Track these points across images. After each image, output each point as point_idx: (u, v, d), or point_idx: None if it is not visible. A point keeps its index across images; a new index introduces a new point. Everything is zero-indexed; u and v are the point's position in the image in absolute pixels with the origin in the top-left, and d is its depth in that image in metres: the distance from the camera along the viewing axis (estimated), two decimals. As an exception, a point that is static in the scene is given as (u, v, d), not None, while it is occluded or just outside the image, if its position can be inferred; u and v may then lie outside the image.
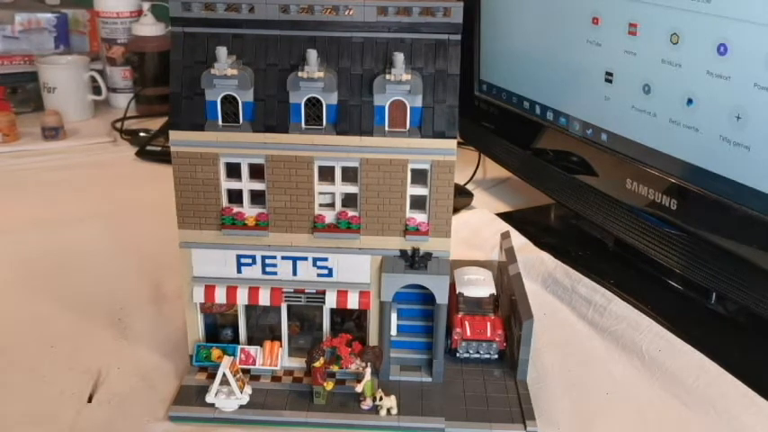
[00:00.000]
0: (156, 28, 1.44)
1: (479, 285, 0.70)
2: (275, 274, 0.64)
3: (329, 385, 0.62)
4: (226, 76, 0.58)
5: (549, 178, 0.93)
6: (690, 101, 0.70)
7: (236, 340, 0.67)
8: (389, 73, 0.58)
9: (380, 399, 0.62)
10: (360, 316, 0.67)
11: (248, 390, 0.63)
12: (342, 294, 0.64)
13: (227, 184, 0.62)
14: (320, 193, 0.62)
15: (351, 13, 0.59)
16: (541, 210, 1.04)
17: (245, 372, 0.65)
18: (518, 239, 0.89)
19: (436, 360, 0.66)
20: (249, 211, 0.62)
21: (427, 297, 0.64)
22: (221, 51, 0.57)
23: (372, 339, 0.65)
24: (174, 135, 0.60)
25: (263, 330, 0.68)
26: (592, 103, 0.83)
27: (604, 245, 0.92)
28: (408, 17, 0.59)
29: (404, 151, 0.59)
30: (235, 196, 0.62)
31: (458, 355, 0.69)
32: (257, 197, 0.62)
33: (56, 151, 1.28)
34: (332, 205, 0.62)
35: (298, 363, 0.66)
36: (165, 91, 1.40)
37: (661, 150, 0.74)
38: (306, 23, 0.59)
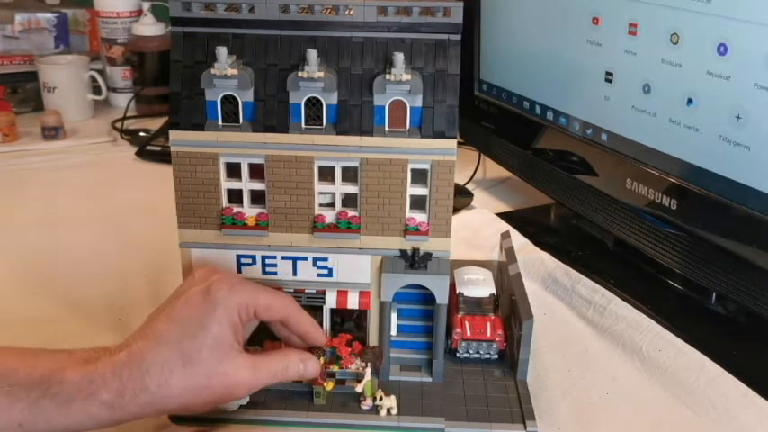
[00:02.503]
0: (156, 28, 1.44)
1: (479, 285, 0.70)
2: (275, 274, 0.64)
3: (329, 385, 0.62)
4: (226, 76, 0.58)
5: (549, 178, 0.93)
6: (690, 101, 0.70)
7: (236, 340, 0.67)
8: (389, 73, 0.58)
9: (380, 399, 0.62)
10: (360, 316, 0.67)
11: (248, 390, 0.63)
12: (342, 294, 0.64)
13: (227, 184, 0.62)
14: (320, 193, 0.62)
15: (351, 13, 0.59)
16: (541, 210, 1.04)
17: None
18: (518, 239, 0.89)
19: (436, 360, 0.66)
20: (249, 211, 0.62)
21: (427, 297, 0.64)
22: (221, 51, 0.57)
23: (372, 339, 0.65)
24: (174, 135, 0.60)
25: (263, 330, 0.68)
26: (592, 103, 0.83)
27: (604, 245, 0.92)
28: (408, 17, 0.59)
29: (404, 151, 0.59)
30: (235, 196, 0.62)
31: (458, 355, 0.69)
32: (257, 197, 0.62)
33: (56, 151, 1.27)
34: (332, 205, 0.62)
35: (298, 363, 0.66)
36: (165, 91, 1.40)
37: (661, 150, 0.74)
38: (306, 23, 0.59)
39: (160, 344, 0.53)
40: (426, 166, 0.60)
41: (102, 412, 0.50)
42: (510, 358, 0.69)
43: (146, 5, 1.45)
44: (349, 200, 0.62)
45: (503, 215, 1.00)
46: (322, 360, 0.62)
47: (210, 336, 0.54)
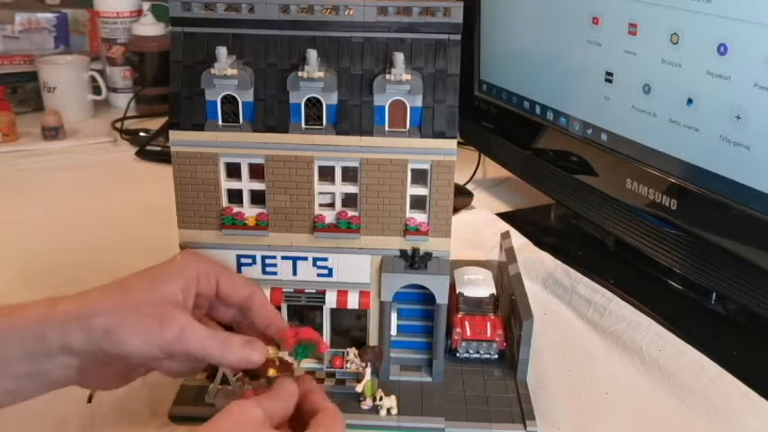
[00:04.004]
0: (156, 28, 1.44)
1: (479, 285, 0.70)
2: (275, 274, 0.64)
3: (272, 371, 0.58)
4: (226, 76, 0.58)
5: (549, 178, 0.93)
6: (690, 101, 0.70)
7: (236, 340, 0.67)
8: (389, 73, 0.58)
9: (380, 399, 0.62)
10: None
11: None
12: (342, 294, 0.64)
13: (227, 184, 0.62)
14: (320, 193, 0.62)
15: (351, 13, 0.59)
16: (541, 210, 1.04)
17: (246, 372, 0.65)
18: (518, 239, 0.89)
19: (436, 360, 0.66)
20: (249, 211, 0.62)
21: (427, 297, 0.64)
22: (221, 51, 0.57)
23: (372, 339, 0.65)
24: (174, 135, 0.60)
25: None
26: (592, 103, 0.83)
27: (604, 245, 0.92)
28: (408, 17, 0.59)
29: (404, 151, 0.59)
30: (235, 196, 0.62)
31: (458, 355, 0.69)
32: (257, 197, 0.62)
33: (56, 151, 1.27)
34: (332, 205, 0.62)
35: (298, 363, 0.66)
36: (165, 91, 1.40)
37: (661, 150, 0.74)
38: (306, 23, 0.59)
39: (110, 284, 0.54)
40: (426, 166, 0.60)
41: (28, 320, 0.50)
42: (510, 358, 0.69)
43: (146, 5, 1.45)
44: (349, 200, 0.62)
45: (503, 215, 1.00)
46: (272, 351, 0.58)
47: (157, 274, 0.54)
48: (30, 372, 0.50)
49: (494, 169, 1.15)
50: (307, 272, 0.64)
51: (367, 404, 0.62)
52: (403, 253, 0.62)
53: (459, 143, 0.61)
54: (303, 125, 0.60)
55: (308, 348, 0.57)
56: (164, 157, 1.16)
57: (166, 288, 0.54)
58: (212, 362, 0.54)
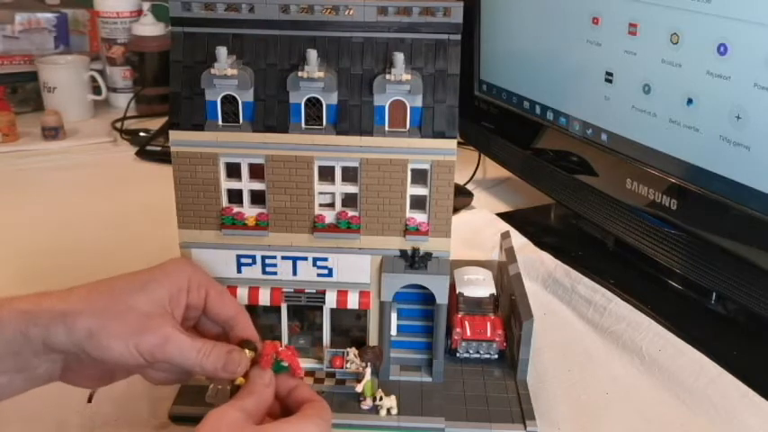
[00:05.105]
0: (156, 28, 1.44)
1: (479, 285, 0.70)
2: (275, 274, 0.64)
3: (240, 380, 0.56)
4: (226, 76, 0.58)
5: (549, 178, 0.93)
6: (690, 101, 0.70)
7: (236, 340, 0.67)
8: (389, 73, 0.58)
9: (380, 399, 0.62)
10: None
11: (248, 390, 0.62)
12: (342, 294, 0.64)
13: (227, 184, 0.62)
14: (320, 193, 0.62)
15: (351, 13, 0.59)
16: (541, 210, 1.04)
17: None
18: (518, 239, 0.89)
19: (436, 360, 0.66)
20: (249, 211, 0.62)
21: (427, 297, 0.64)
22: (221, 51, 0.57)
23: (372, 339, 0.65)
24: (174, 135, 0.60)
25: (262, 330, 0.68)
26: (592, 103, 0.83)
27: (604, 245, 0.92)
28: (408, 17, 0.59)
29: (404, 151, 0.59)
30: (235, 196, 0.62)
31: (458, 355, 0.69)
32: (257, 197, 0.62)
33: (56, 151, 1.28)
34: (332, 205, 0.62)
35: (298, 363, 0.66)
36: (165, 91, 1.40)
37: (661, 150, 0.74)
38: (306, 23, 0.59)
39: (97, 283, 0.53)
40: (426, 166, 0.60)
41: (12, 317, 0.49)
42: (510, 358, 0.69)
43: (146, 5, 1.45)
44: (349, 200, 0.62)
45: (503, 215, 1.00)
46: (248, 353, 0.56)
47: (146, 279, 0.53)
48: (18, 366, 0.50)
49: (494, 169, 1.15)
50: (307, 272, 0.64)
51: (367, 404, 0.62)
52: (403, 253, 0.62)
53: (459, 143, 0.61)
54: (303, 125, 0.60)
55: (284, 369, 0.56)
56: (164, 157, 1.16)
57: (154, 294, 0.53)
58: (193, 371, 0.53)
